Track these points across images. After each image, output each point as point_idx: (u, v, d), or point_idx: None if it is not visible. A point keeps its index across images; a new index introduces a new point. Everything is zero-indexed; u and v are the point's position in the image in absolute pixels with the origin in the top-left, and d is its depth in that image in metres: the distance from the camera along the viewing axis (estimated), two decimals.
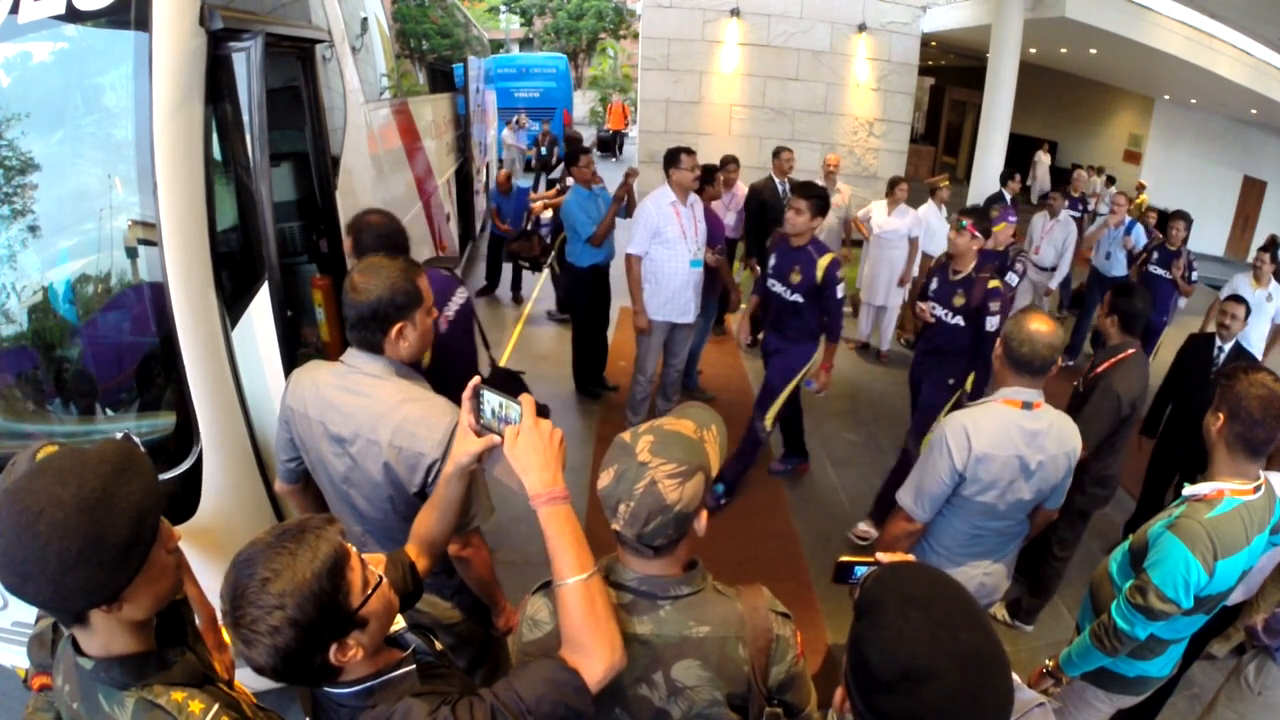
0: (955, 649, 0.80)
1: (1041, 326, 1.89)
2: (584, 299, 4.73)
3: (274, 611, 0.87)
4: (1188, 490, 1.75)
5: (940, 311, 3.41)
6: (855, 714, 0.88)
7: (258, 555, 0.90)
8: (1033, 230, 6.22)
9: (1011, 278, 4.28)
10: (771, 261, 3.61)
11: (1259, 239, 12.09)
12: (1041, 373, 1.90)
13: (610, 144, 17.28)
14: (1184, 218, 5.40)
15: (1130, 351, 2.74)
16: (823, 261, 3.40)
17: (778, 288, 3.56)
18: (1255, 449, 1.68)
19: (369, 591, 0.98)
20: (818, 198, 3.41)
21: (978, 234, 3.25)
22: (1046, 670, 1.97)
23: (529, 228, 6.11)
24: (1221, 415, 1.70)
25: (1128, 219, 6.08)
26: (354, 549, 0.99)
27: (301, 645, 0.89)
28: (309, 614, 0.88)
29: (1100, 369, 2.77)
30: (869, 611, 0.87)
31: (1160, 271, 5.46)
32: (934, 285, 3.47)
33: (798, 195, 3.41)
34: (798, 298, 3.49)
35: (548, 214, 6.10)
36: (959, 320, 3.35)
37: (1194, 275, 5.36)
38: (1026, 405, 1.91)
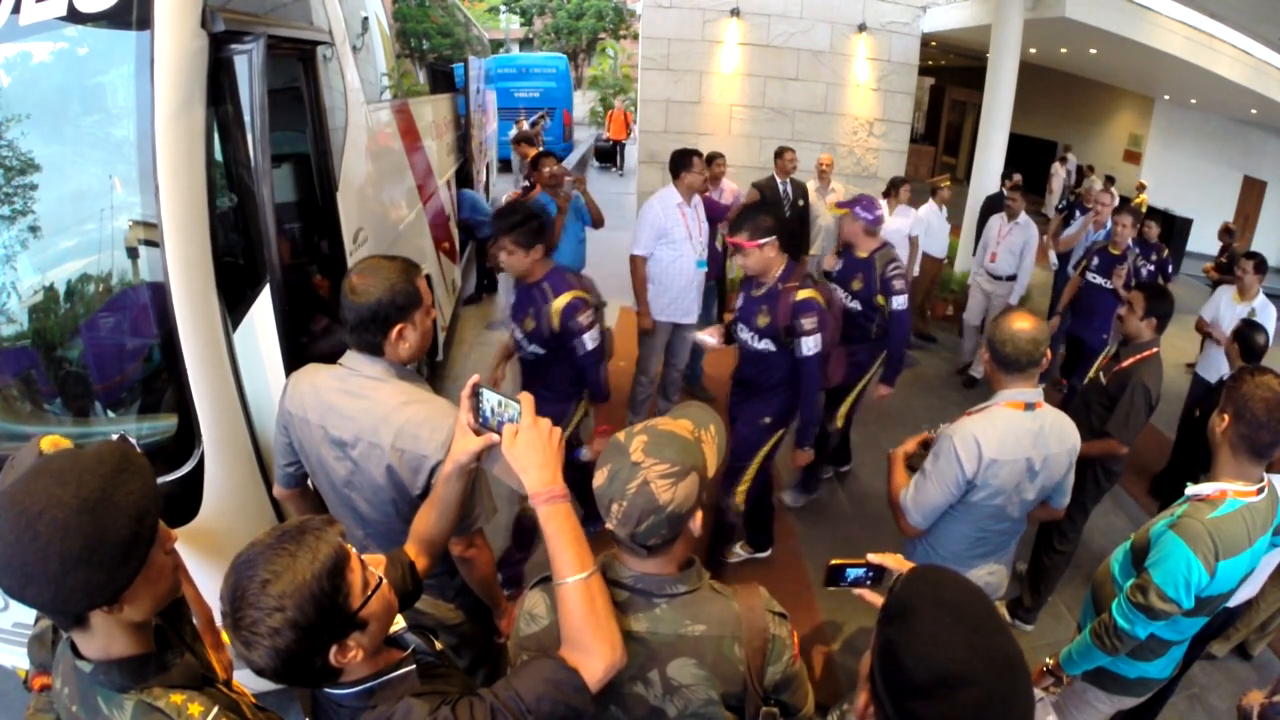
0: (990, 655, 0.81)
1: (1023, 324, 1.90)
2: None
3: (274, 613, 0.87)
4: (1190, 490, 1.75)
5: (745, 334, 2.78)
6: (881, 717, 0.88)
7: (257, 557, 0.90)
8: (988, 234, 5.51)
9: (898, 301, 3.39)
10: (510, 301, 2.85)
11: (1260, 239, 12.09)
12: (1031, 369, 1.91)
13: (610, 155, 15.44)
14: (1131, 213, 4.54)
15: (1155, 350, 2.80)
16: (556, 305, 2.53)
17: (518, 335, 2.74)
18: (1259, 451, 1.67)
19: (369, 593, 0.98)
20: (522, 224, 2.48)
21: (753, 245, 2.55)
22: (1047, 669, 1.97)
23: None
24: (1227, 416, 1.70)
25: (1111, 221, 5.46)
26: (354, 550, 0.99)
27: (302, 647, 0.89)
28: (309, 616, 0.89)
29: (1126, 364, 2.81)
30: (901, 615, 0.87)
31: (1100, 280, 4.51)
32: (740, 302, 2.84)
33: (500, 233, 2.51)
34: (536, 349, 2.69)
35: None
36: (767, 344, 2.72)
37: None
38: (1029, 406, 1.92)
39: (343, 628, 0.94)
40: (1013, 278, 5.36)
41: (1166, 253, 5.43)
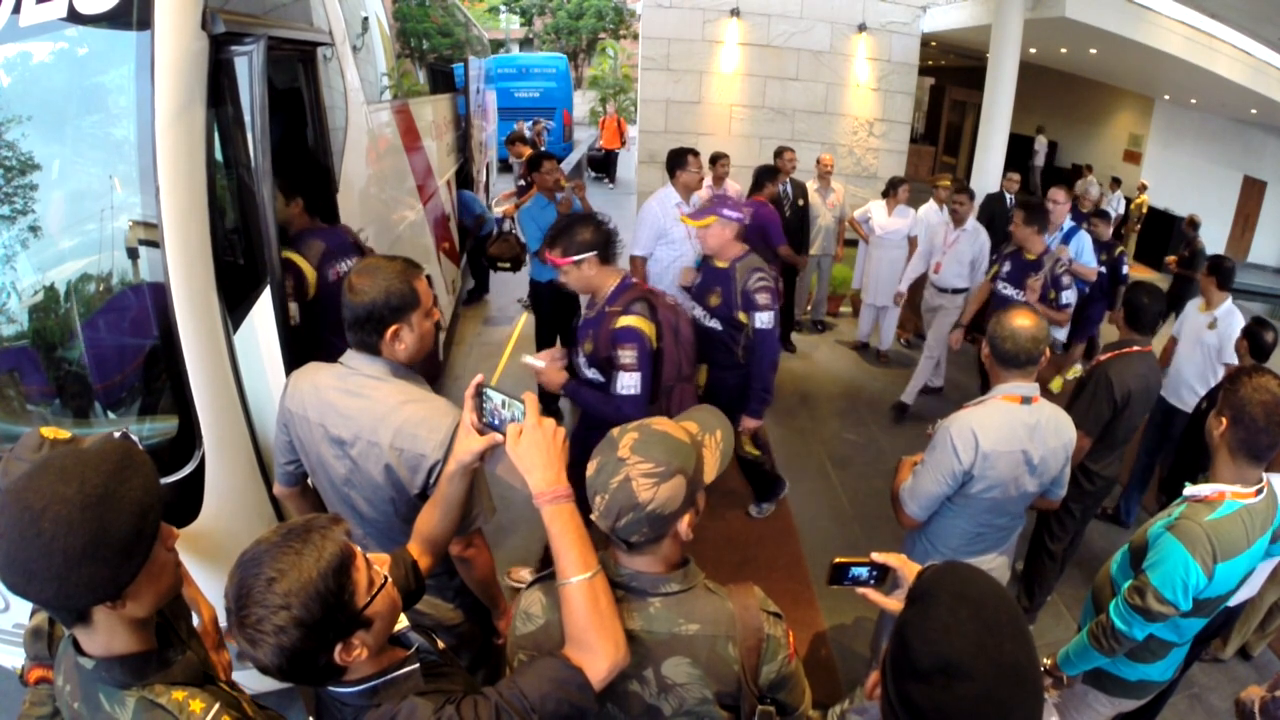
0: (998, 656, 0.81)
1: (1024, 321, 1.92)
2: (541, 315, 4.53)
3: (279, 611, 0.87)
4: (1189, 490, 1.74)
5: (579, 358, 2.48)
6: (885, 700, 0.89)
7: (263, 554, 0.91)
8: (931, 241, 4.96)
9: (762, 318, 2.87)
10: None
11: (1260, 239, 12.08)
12: (1030, 365, 1.94)
13: (604, 165, 13.77)
14: (1028, 210, 3.76)
15: (1136, 348, 2.77)
16: None
17: None
18: (1257, 454, 1.66)
19: (374, 591, 0.99)
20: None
21: (566, 262, 2.27)
22: (1044, 669, 1.98)
23: (503, 229, 6.08)
24: (1225, 419, 1.68)
25: (1069, 223, 4.59)
26: (359, 549, 0.99)
27: (307, 645, 0.89)
28: (314, 613, 0.89)
29: (1103, 358, 2.81)
30: (921, 600, 0.89)
31: (1010, 292, 3.77)
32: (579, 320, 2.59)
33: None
34: None
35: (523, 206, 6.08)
36: (595, 374, 2.40)
37: (1067, 297, 3.64)
38: (1025, 400, 1.94)
39: (348, 626, 0.94)
40: (960, 291, 4.73)
41: (1120, 250, 5.15)
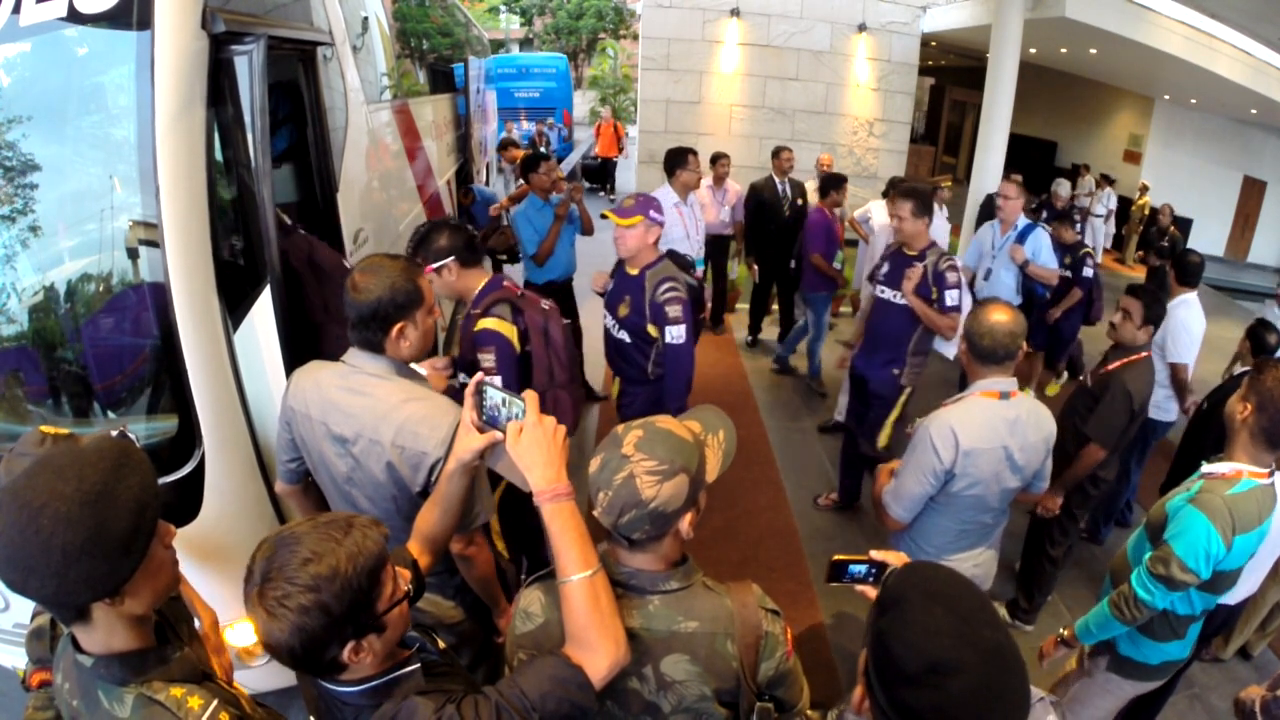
0: (980, 643, 0.82)
1: (1000, 317, 1.93)
2: None
3: (307, 592, 0.89)
4: (1206, 468, 1.82)
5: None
6: (876, 709, 0.89)
7: (303, 535, 0.92)
8: (874, 246, 4.67)
9: (673, 332, 2.63)
10: None
11: (1259, 239, 12.08)
12: (1008, 360, 1.95)
13: (599, 174, 12.50)
14: (911, 196, 3.12)
15: (1144, 354, 2.77)
16: None
17: None
18: (1275, 442, 1.74)
19: (394, 601, 1.00)
20: None
21: (427, 272, 2.03)
22: (1061, 639, 2.01)
23: (499, 223, 6.08)
24: (1249, 405, 1.76)
25: (1024, 221, 4.09)
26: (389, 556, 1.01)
27: (324, 634, 0.91)
28: (341, 605, 0.90)
29: (1112, 366, 2.78)
30: (892, 606, 0.89)
31: (889, 295, 3.26)
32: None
33: None
34: None
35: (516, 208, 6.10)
36: (463, 379, 2.33)
37: (952, 298, 3.09)
38: (1004, 395, 1.95)
39: (365, 627, 0.96)
40: None
41: (1085, 251, 4.76)
